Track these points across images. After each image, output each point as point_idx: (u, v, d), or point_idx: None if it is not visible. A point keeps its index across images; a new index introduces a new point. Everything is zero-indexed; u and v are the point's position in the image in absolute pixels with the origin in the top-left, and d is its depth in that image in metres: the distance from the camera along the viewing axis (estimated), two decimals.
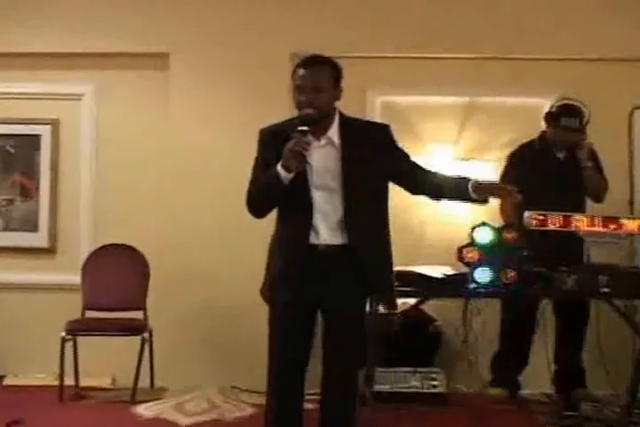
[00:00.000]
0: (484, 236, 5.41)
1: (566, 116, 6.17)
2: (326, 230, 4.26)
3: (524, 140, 6.52)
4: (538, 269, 5.41)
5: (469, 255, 5.34)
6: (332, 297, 4.28)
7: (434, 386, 6.29)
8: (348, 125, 4.35)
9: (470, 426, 5.89)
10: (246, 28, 6.96)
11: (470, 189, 4.33)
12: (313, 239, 4.25)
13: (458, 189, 4.40)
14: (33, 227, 7.28)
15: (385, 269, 4.47)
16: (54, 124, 7.24)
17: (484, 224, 5.47)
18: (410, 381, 6.32)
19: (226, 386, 6.72)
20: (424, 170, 4.52)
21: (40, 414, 5.96)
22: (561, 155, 6.38)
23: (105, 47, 6.98)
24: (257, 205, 4.36)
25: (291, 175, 4.14)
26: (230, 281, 6.75)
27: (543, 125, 6.52)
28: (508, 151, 6.59)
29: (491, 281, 5.27)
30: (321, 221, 4.25)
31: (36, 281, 7.15)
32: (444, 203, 6.88)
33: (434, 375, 6.36)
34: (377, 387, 5.92)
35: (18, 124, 7.25)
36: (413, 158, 4.57)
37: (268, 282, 4.44)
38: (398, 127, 6.90)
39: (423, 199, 6.93)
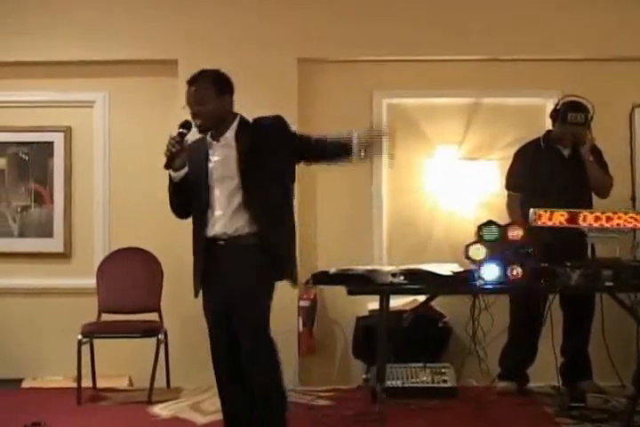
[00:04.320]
0: (490, 233, 5.49)
1: (572, 112, 6.27)
2: (223, 221, 4.62)
3: (530, 139, 6.62)
4: (543, 264, 5.46)
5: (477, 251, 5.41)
6: (229, 283, 4.61)
7: (444, 381, 6.36)
8: (246, 126, 4.72)
9: (480, 419, 5.93)
10: (253, 35, 7.01)
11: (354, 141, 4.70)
12: (210, 231, 4.64)
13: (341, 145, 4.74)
14: (48, 232, 7.33)
15: (284, 252, 4.75)
16: (67, 132, 7.29)
17: (489, 222, 5.55)
18: (420, 376, 6.39)
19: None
20: (317, 140, 4.83)
21: (58, 416, 5.98)
22: (566, 152, 6.46)
23: (116, 55, 7.02)
24: (171, 206, 4.80)
25: (179, 173, 4.60)
26: None
27: (547, 125, 6.64)
28: (511, 151, 6.67)
29: (497, 278, 5.33)
30: (219, 213, 4.62)
31: (52, 285, 7.21)
32: (450, 202, 7.04)
33: (444, 370, 6.44)
34: (388, 383, 5.99)
35: (31, 131, 7.29)
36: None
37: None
38: (404, 128, 7.11)
39: (431, 197, 7.09)
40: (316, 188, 7.16)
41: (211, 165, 4.68)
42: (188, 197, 4.70)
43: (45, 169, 7.35)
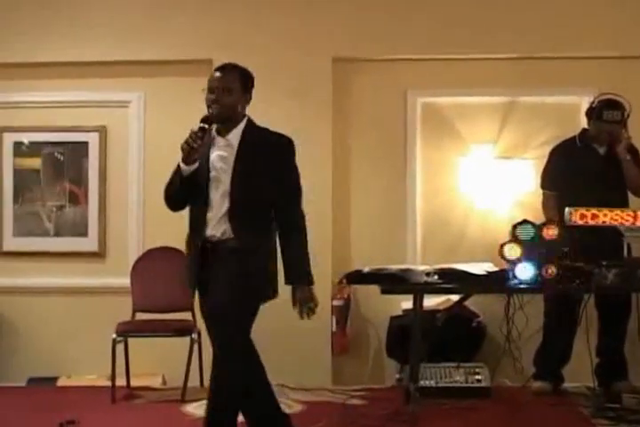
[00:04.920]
0: (525, 232, 5.47)
1: (608, 110, 6.23)
2: (214, 223, 4.61)
3: (565, 137, 6.58)
4: (578, 264, 5.42)
5: (511, 251, 5.39)
6: (210, 285, 4.64)
7: (478, 380, 6.33)
8: (252, 132, 4.69)
9: (514, 420, 5.89)
10: (288, 35, 7.03)
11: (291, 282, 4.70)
12: (203, 232, 4.64)
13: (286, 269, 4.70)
14: (83, 232, 7.37)
15: (262, 264, 4.68)
16: (102, 132, 7.32)
17: (524, 221, 5.52)
18: (454, 376, 6.36)
19: (274, 384, 6.77)
20: (286, 218, 4.75)
21: (93, 414, 6.00)
22: (602, 150, 6.42)
23: (151, 55, 7.06)
24: (166, 198, 4.79)
25: (190, 168, 4.56)
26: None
27: (582, 123, 6.59)
28: (547, 149, 6.64)
29: (532, 277, 5.31)
30: (211, 214, 4.62)
31: (87, 285, 7.25)
32: (484, 201, 7.01)
33: (478, 370, 6.41)
34: (422, 382, 5.98)
35: (66, 131, 7.33)
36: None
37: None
38: (439, 127, 7.11)
39: (465, 196, 7.06)
40: (349, 187, 7.17)
41: (210, 161, 4.65)
42: (191, 191, 4.67)
43: (80, 169, 7.39)
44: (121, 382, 6.63)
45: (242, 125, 4.71)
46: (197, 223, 4.67)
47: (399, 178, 7.14)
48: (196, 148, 4.52)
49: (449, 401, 6.09)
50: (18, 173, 7.42)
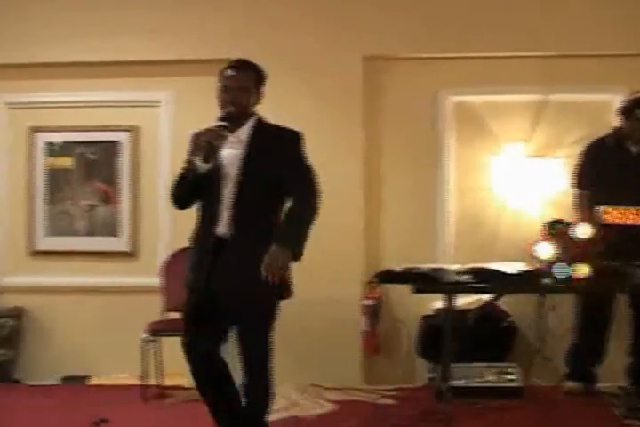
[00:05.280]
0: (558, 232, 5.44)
1: None
2: (228, 220, 4.53)
3: (597, 136, 6.54)
4: (611, 263, 5.38)
5: (544, 250, 5.37)
6: (226, 284, 4.52)
7: (510, 380, 6.31)
8: (262, 129, 4.63)
9: (546, 420, 5.87)
10: (318, 33, 7.03)
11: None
12: (216, 229, 4.55)
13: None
14: (114, 231, 7.40)
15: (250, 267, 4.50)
16: (133, 131, 7.36)
17: (557, 220, 5.49)
18: (486, 375, 6.35)
19: (305, 384, 6.82)
20: (295, 201, 4.63)
21: (124, 413, 6.06)
22: (634, 149, 6.37)
23: (182, 54, 7.08)
24: (176, 196, 4.67)
25: (207, 166, 4.45)
26: (305, 281, 6.81)
27: (614, 121, 6.55)
28: (579, 148, 6.59)
29: (564, 276, 5.29)
30: (224, 211, 4.53)
31: (118, 284, 7.28)
32: (517, 200, 6.99)
33: (509, 370, 6.39)
34: (453, 382, 5.97)
35: (98, 131, 7.38)
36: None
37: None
38: (470, 126, 7.09)
39: (497, 195, 7.04)
40: (381, 186, 7.15)
41: (220, 157, 4.57)
42: (201, 190, 4.60)
43: (112, 168, 7.42)
44: (152, 381, 6.66)
45: (251, 122, 4.64)
46: (210, 220, 4.58)
47: (431, 177, 7.12)
48: (217, 146, 4.46)
49: (481, 401, 6.08)
50: (50, 173, 7.47)
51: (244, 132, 4.61)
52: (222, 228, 4.55)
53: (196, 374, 4.69)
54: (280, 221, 4.59)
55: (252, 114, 4.67)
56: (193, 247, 4.73)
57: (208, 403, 4.72)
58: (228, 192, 4.55)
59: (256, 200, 4.55)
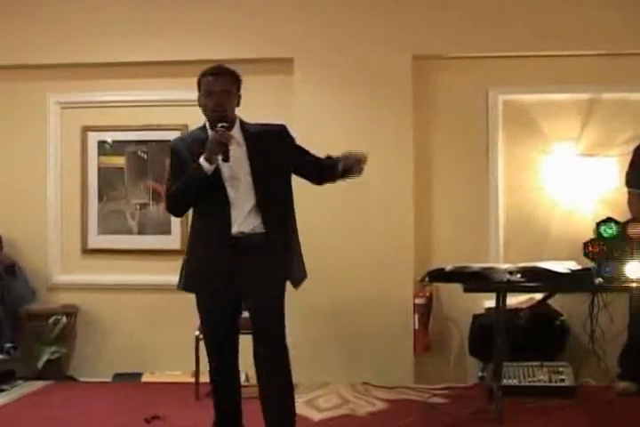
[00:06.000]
0: (610, 230, 5.41)
1: None
2: (240, 221, 4.65)
3: None
4: None
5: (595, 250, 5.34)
6: (248, 283, 4.66)
7: (561, 380, 6.26)
8: (249, 128, 4.80)
9: (599, 420, 5.83)
10: (368, 33, 7.02)
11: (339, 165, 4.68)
12: (227, 229, 4.64)
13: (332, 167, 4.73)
14: (166, 230, 7.44)
15: (293, 251, 4.78)
16: (184, 130, 7.28)
17: (609, 219, 5.47)
18: (537, 375, 6.31)
19: (357, 382, 6.83)
20: (314, 156, 4.89)
21: (177, 410, 6.10)
22: None
23: (232, 54, 7.04)
24: (179, 203, 4.81)
25: (212, 167, 4.57)
26: (356, 279, 6.85)
27: None
28: (630, 147, 6.55)
29: (617, 275, 5.26)
30: (235, 211, 4.65)
31: (170, 282, 7.19)
32: (568, 198, 6.95)
33: (561, 369, 6.34)
34: (505, 381, 5.98)
35: (149, 130, 7.43)
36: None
37: (185, 275, 4.96)
38: (521, 125, 7.06)
39: (548, 194, 7.00)
40: (431, 185, 7.14)
41: (220, 163, 4.66)
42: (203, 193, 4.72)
43: (163, 167, 7.39)
44: (204, 378, 6.69)
45: (237, 124, 4.80)
46: (220, 222, 4.65)
47: (481, 176, 7.09)
48: (228, 145, 4.58)
49: (532, 400, 6.04)
50: (102, 172, 7.54)
51: (236, 134, 4.75)
52: (237, 228, 4.65)
53: (220, 390, 5.04)
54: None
55: (235, 117, 4.82)
56: (196, 251, 4.83)
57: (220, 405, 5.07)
58: (239, 193, 4.67)
59: (272, 193, 4.71)
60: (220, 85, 4.71)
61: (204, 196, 4.68)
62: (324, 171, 4.81)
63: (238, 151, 4.70)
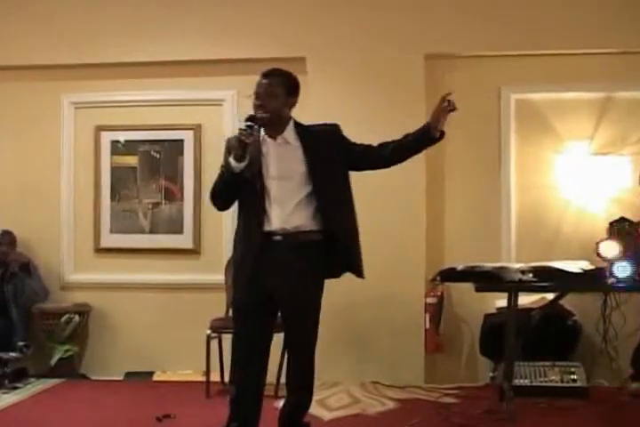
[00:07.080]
0: (623, 230, 5.40)
1: None
2: (280, 217, 4.68)
3: None
4: None
5: (608, 248, 5.32)
6: (284, 282, 4.69)
7: (573, 380, 6.26)
8: (303, 130, 4.86)
9: (610, 420, 5.81)
10: (380, 32, 7.02)
11: (429, 130, 4.85)
12: (266, 226, 4.68)
13: (418, 138, 4.90)
14: (178, 229, 7.46)
15: (355, 248, 4.90)
16: (197, 130, 7.42)
17: (621, 219, 5.45)
18: (549, 375, 6.31)
19: (367, 381, 6.83)
20: (380, 144, 4.92)
21: (188, 409, 6.11)
22: None
23: (245, 53, 7.10)
24: (217, 197, 4.86)
25: (242, 164, 4.62)
26: (368, 279, 6.81)
27: None
28: None
29: (630, 275, 5.24)
30: (275, 208, 4.69)
31: (182, 281, 7.36)
32: (580, 198, 6.92)
33: (573, 369, 6.34)
34: (516, 381, 5.97)
35: (162, 129, 7.45)
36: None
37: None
38: (533, 124, 7.04)
39: (561, 193, 6.97)
40: (443, 184, 7.14)
41: (266, 161, 4.74)
42: (239, 189, 4.74)
43: (176, 166, 7.49)
44: (215, 377, 6.71)
45: (291, 126, 4.82)
46: (256, 220, 4.70)
47: (493, 175, 7.09)
48: (248, 143, 4.60)
49: (544, 401, 6.04)
50: (115, 171, 7.57)
51: (289, 134, 4.80)
52: (280, 224, 4.68)
53: (240, 396, 4.93)
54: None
55: (290, 118, 4.84)
56: (238, 246, 4.86)
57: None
58: (285, 192, 4.71)
59: (331, 192, 4.76)
60: (263, 87, 4.76)
61: (243, 192, 4.73)
62: (390, 151, 4.88)
63: (288, 149, 4.76)
